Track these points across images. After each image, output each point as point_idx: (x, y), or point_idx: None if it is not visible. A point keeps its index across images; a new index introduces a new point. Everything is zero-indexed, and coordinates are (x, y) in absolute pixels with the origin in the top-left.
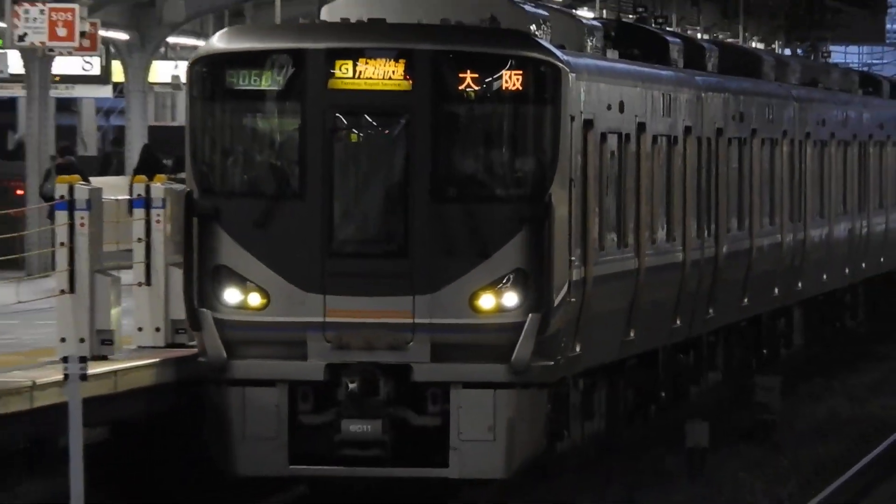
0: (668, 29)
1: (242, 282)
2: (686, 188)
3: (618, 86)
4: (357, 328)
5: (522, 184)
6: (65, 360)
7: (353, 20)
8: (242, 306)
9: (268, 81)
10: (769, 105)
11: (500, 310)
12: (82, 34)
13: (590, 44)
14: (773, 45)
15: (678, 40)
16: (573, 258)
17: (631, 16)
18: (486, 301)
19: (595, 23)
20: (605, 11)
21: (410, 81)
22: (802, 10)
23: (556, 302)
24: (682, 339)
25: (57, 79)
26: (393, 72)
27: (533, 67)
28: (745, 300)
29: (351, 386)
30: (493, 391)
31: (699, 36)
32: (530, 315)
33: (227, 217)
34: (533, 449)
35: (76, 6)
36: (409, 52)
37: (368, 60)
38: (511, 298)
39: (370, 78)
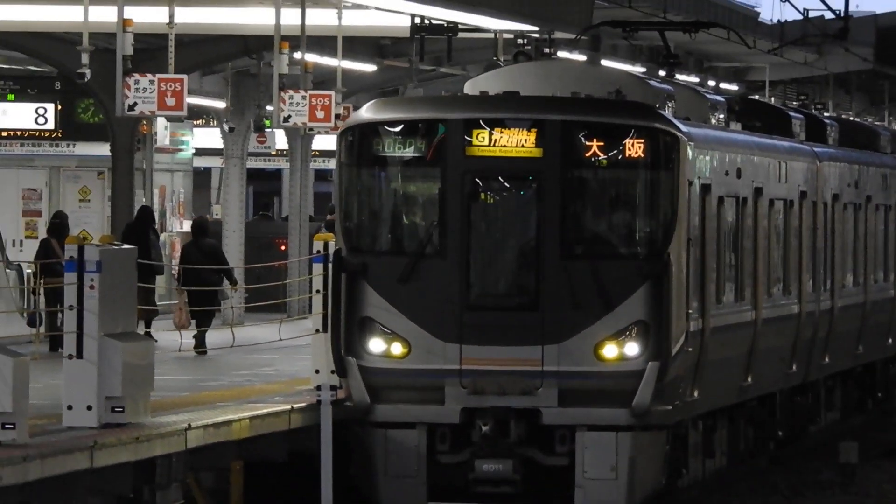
0: (793, 105)
1: (386, 332)
2: (801, 247)
3: (735, 154)
4: (490, 375)
5: (644, 243)
6: (318, 388)
7: (491, 94)
8: (386, 355)
9: (411, 148)
10: (883, 174)
11: (623, 358)
12: (337, 116)
13: (714, 117)
14: None
15: (800, 115)
16: (690, 311)
17: (795, 102)
18: (610, 350)
19: (719, 98)
20: (773, 98)
21: (541, 149)
22: None
23: (675, 351)
24: (798, 383)
25: (315, 153)
26: (525, 140)
27: (653, 136)
28: (860, 348)
29: (484, 428)
30: (615, 433)
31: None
32: (650, 363)
33: (374, 273)
34: (652, 486)
35: (332, 93)
36: (540, 121)
37: (503, 130)
38: (633, 348)
39: (505, 146)
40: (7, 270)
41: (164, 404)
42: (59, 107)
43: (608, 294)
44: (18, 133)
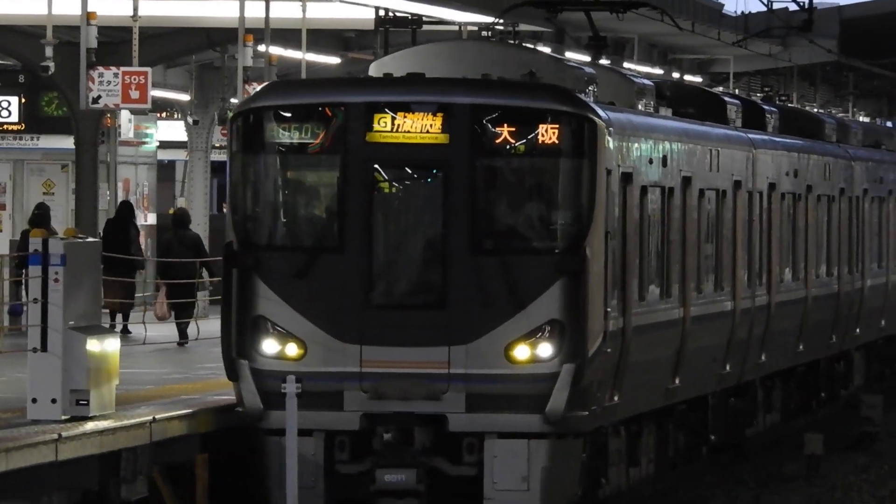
0: (757, 97)
1: (281, 332)
2: (735, 240)
3: (660, 141)
4: (393, 378)
5: (558, 236)
6: (283, 380)
7: (396, 76)
8: (280, 357)
9: (308, 135)
10: (826, 163)
11: (535, 360)
12: None
13: (641, 102)
14: (878, 119)
15: (737, 101)
16: (609, 309)
17: (759, 94)
18: (522, 352)
19: (647, 82)
20: (737, 90)
21: (448, 135)
22: None
23: (592, 352)
24: (733, 385)
25: None
26: (431, 125)
27: (568, 121)
28: (801, 346)
29: (386, 436)
30: (527, 441)
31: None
32: (565, 365)
33: (267, 268)
34: (567, 498)
35: None
36: (446, 105)
37: (407, 114)
38: (546, 349)
39: (409, 131)
40: None
41: (129, 397)
42: (23, 100)
43: (520, 291)
44: None
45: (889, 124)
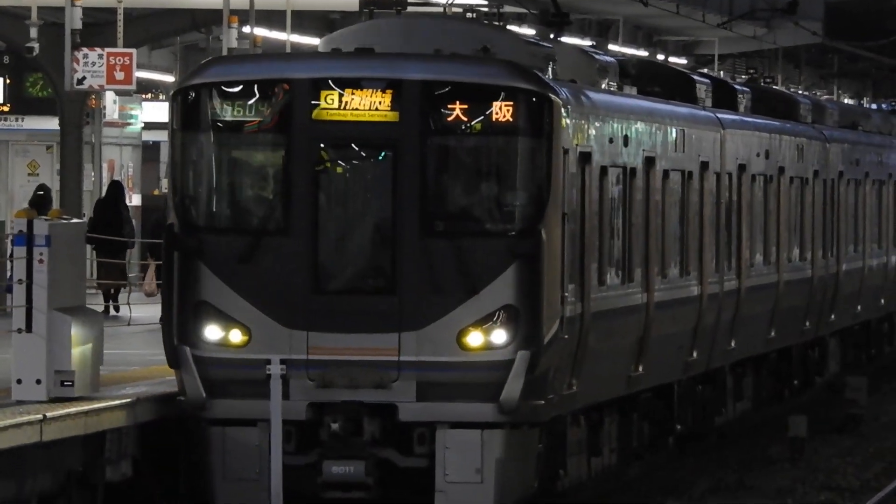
0: (741, 79)
1: (224, 318)
2: (703, 223)
3: (621, 120)
4: (341, 366)
5: (512, 218)
6: (268, 361)
7: (345, 51)
8: (223, 343)
9: (252, 112)
10: (798, 144)
11: (489, 347)
12: None
13: (604, 80)
14: (861, 101)
15: (706, 80)
16: (566, 294)
17: (744, 76)
18: (475, 338)
19: (610, 59)
20: (721, 72)
21: (398, 112)
22: (886, 73)
23: (548, 339)
24: (700, 372)
25: None
26: (380, 102)
27: (522, 98)
28: (773, 332)
29: (334, 426)
30: (480, 431)
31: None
32: (520, 353)
33: (210, 252)
34: (522, 490)
35: None
36: (396, 82)
37: (355, 91)
38: (500, 336)
39: (357, 109)
40: None
41: (113, 378)
42: (8, 81)
43: (473, 275)
44: None
45: (874, 106)
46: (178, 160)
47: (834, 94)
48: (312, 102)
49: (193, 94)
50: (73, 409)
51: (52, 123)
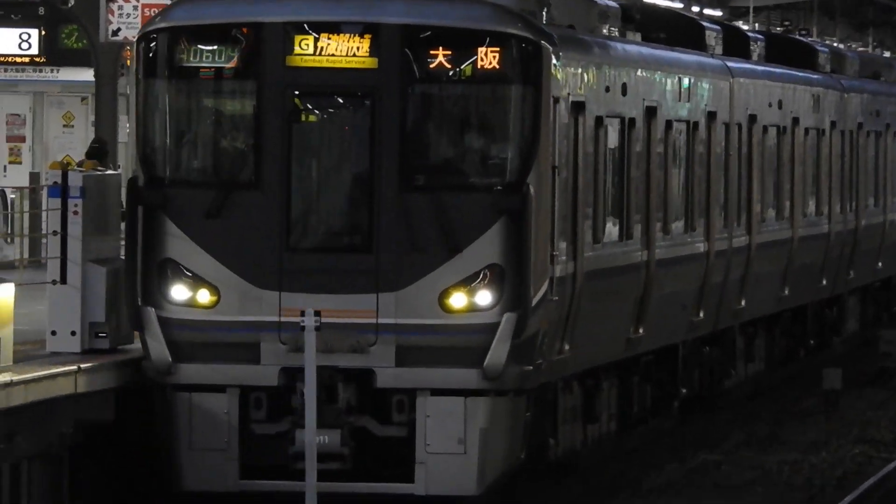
0: (776, 31)
1: (191, 277)
2: (709, 176)
3: (619, 67)
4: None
5: (498, 171)
6: (302, 313)
7: None
8: (190, 304)
9: (221, 58)
10: (814, 94)
11: (473, 309)
12: None
13: (604, 26)
14: None
15: (717, 27)
16: (557, 252)
17: (779, 28)
18: (458, 300)
19: (611, 4)
20: (756, 24)
21: (376, 59)
22: None
23: (536, 300)
24: (707, 333)
25: None
26: (358, 48)
27: (510, 44)
28: (787, 290)
29: None
30: (463, 399)
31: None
32: (506, 315)
33: (176, 207)
34: (508, 462)
35: None
36: (375, 26)
37: (331, 36)
38: (485, 297)
39: (333, 55)
40: None
41: None
42: (43, 32)
43: (455, 233)
44: (2, 59)
45: None
46: (142, 110)
47: (869, 45)
48: (286, 47)
49: (158, 39)
50: (106, 361)
51: (87, 75)
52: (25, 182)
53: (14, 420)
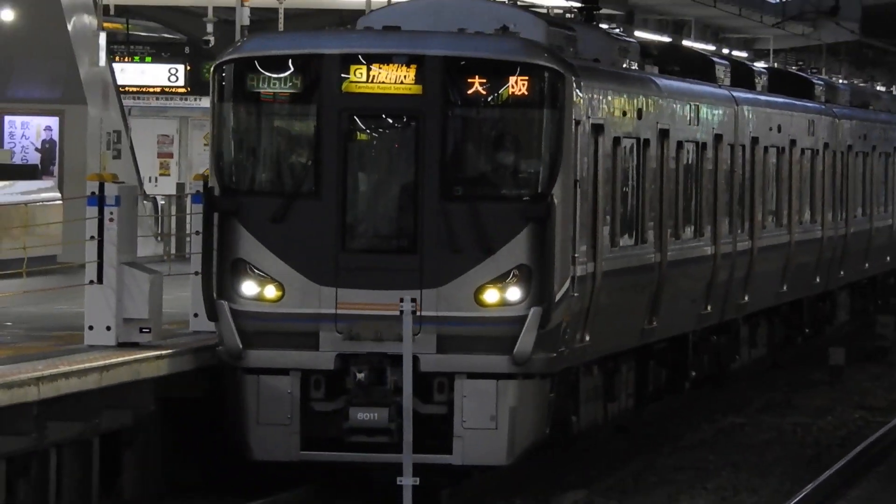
0: (791, 69)
1: (259, 275)
2: (716, 189)
3: (635, 95)
4: (367, 320)
5: (526, 184)
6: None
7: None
8: (258, 298)
9: (287, 85)
10: (810, 120)
11: (504, 304)
12: None
13: (626, 60)
14: (892, 88)
15: (725, 62)
16: (577, 255)
17: (794, 67)
18: (491, 295)
19: (631, 41)
20: (776, 63)
21: (421, 86)
22: None
23: (559, 296)
24: (715, 323)
25: None
26: (405, 76)
27: (536, 73)
28: (784, 287)
29: (359, 375)
30: (495, 381)
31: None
32: (532, 309)
33: (247, 213)
34: (535, 436)
35: None
36: (420, 57)
37: (382, 65)
38: (514, 293)
39: (383, 82)
40: (144, 202)
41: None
42: (188, 67)
43: (489, 237)
44: (155, 89)
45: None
46: (218, 129)
47: (869, 82)
48: (342, 76)
49: (232, 68)
50: (145, 354)
51: None
52: (173, 191)
53: (163, 386)
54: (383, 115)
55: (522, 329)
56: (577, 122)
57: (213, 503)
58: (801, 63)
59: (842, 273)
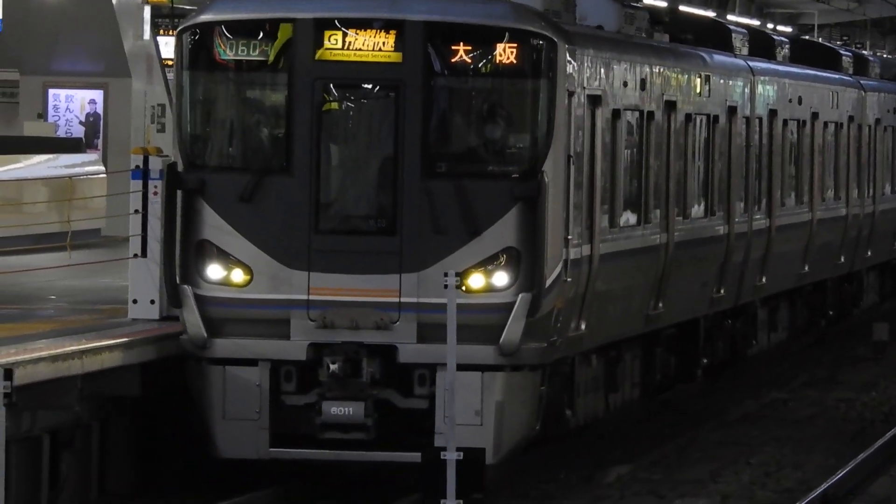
0: (835, 45)
1: (225, 257)
2: (730, 165)
3: (638, 64)
4: (341, 307)
5: (515, 160)
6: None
7: None
8: (225, 283)
9: (256, 51)
10: (833, 92)
11: (490, 289)
12: None
13: (633, 26)
14: None
15: (743, 30)
16: (571, 237)
17: (839, 42)
18: (476, 280)
19: (640, 7)
20: (820, 38)
21: (401, 53)
22: None
23: (549, 281)
24: (729, 307)
25: None
26: (384, 43)
27: (527, 40)
28: (806, 267)
29: (333, 366)
30: (481, 374)
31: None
32: (521, 295)
33: (212, 191)
34: (524, 433)
35: None
36: (400, 22)
37: (358, 31)
38: (501, 278)
39: (360, 49)
40: None
41: None
42: None
43: (474, 217)
44: None
45: None
46: (182, 99)
47: None
48: (316, 42)
49: (198, 33)
50: None
51: None
52: None
53: None
54: (360, 85)
55: (510, 317)
56: (571, 94)
57: (183, 502)
58: (845, 38)
59: (869, 253)
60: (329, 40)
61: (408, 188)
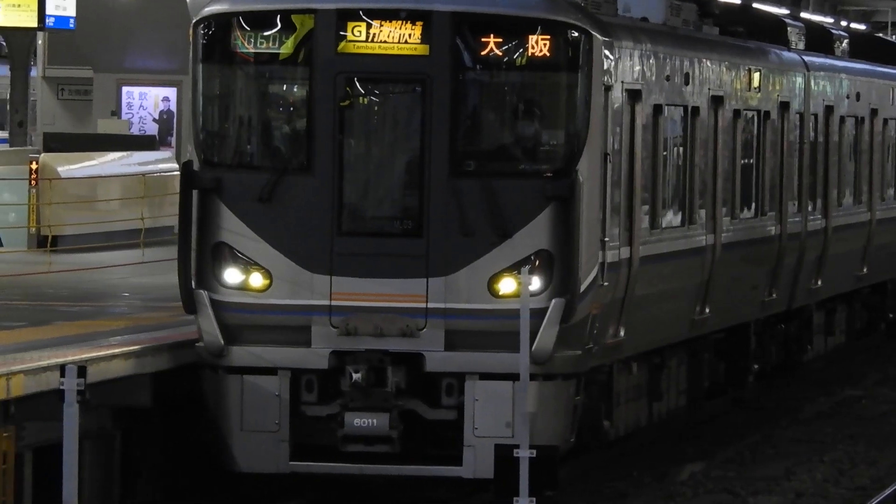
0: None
1: (243, 261)
2: (782, 164)
3: (682, 57)
4: (365, 312)
5: (548, 158)
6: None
7: None
8: (243, 287)
9: (275, 44)
10: (894, 88)
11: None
12: None
13: (680, 18)
14: None
15: (800, 24)
16: (608, 238)
17: (881, 34)
18: (507, 285)
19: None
20: (894, 35)
21: (428, 46)
22: None
23: (584, 286)
24: (782, 311)
25: None
26: (409, 35)
27: (561, 32)
28: (865, 269)
29: (356, 376)
30: (511, 383)
31: None
32: (554, 300)
33: (230, 190)
34: (557, 445)
35: None
36: (426, 13)
37: (383, 22)
38: (534, 282)
39: (385, 42)
40: None
41: None
42: None
43: (505, 218)
44: None
45: None
46: (198, 94)
47: None
48: (339, 34)
49: (214, 25)
50: None
51: None
52: None
53: None
54: (385, 80)
55: (542, 323)
56: (609, 88)
57: None
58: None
59: None
60: (352, 32)
61: (435, 188)
